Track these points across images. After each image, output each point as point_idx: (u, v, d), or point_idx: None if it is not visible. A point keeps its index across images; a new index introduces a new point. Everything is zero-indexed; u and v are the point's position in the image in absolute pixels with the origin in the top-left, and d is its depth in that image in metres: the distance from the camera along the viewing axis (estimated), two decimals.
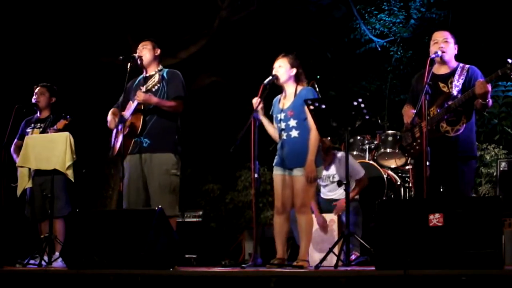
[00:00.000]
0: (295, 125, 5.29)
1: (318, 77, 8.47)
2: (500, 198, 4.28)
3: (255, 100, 5.28)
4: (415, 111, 5.21)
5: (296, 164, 5.26)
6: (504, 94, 8.88)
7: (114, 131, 5.90)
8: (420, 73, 5.55)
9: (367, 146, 7.73)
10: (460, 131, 5.26)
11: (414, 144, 5.46)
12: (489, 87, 5.07)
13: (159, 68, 5.94)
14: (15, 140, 6.76)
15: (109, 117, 5.95)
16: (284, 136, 5.34)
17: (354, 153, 7.67)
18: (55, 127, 6.44)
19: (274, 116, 5.44)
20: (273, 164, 5.41)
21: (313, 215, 6.43)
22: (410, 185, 7.29)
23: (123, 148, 5.69)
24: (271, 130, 5.46)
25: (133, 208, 5.63)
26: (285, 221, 5.38)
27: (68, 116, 6.45)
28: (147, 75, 5.94)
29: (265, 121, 5.41)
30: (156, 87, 5.68)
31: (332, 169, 6.59)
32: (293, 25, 10.68)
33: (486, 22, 9.59)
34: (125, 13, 9.77)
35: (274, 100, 5.49)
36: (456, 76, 5.34)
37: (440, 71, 5.43)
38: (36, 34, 9.60)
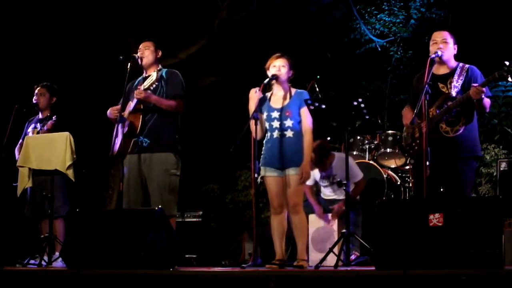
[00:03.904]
0: (290, 125, 5.29)
1: (318, 77, 8.46)
2: (500, 198, 4.29)
3: (256, 90, 5.28)
4: (415, 112, 5.20)
5: (291, 164, 5.26)
6: (504, 94, 8.87)
7: (115, 130, 5.91)
8: (421, 73, 5.53)
9: (367, 146, 7.73)
10: (460, 131, 5.26)
11: (414, 144, 5.46)
12: (485, 90, 5.07)
13: (158, 69, 5.95)
14: (20, 141, 6.74)
15: (109, 111, 5.95)
16: (277, 135, 5.32)
17: (354, 153, 7.67)
18: (45, 128, 6.49)
19: (265, 113, 5.41)
20: (261, 165, 5.34)
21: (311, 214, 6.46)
22: (410, 185, 7.29)
23: (123, 148, 5.69)
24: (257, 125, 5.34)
25: (132, 207, 5.63)
26: (283, 221, 5.38)
27: (54, 117, 6.55)
28: (147, 75, 5.94)
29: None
30: (154, 85, 5.64)
31: (333, 170, 6.59)
32: (293, 25, 10.68)
33: (486, 22, 9.59)
34: (125, 13, 9.77)
35: (261, 96, 5.38)
36: (456, 76, 5.34)
37: (440, 72, 5.42)
38: (36, 34, 9.59)
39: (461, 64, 5.40)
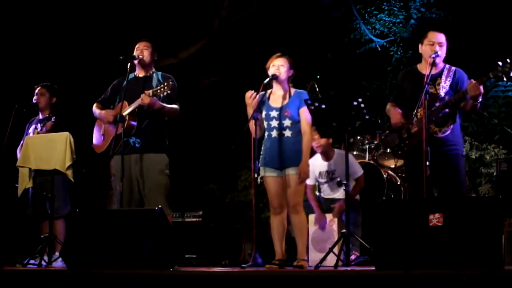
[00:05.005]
0: (289, 125, 5.30)
1: (318, 77, 8.46)
2: (500, 198, 4.29)
3: (251, 95, 5.29)
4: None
5: (290, 164, 5.26)
6: (504, 94, 8.88)
7: (101, 128, 5.92)
8: (406, 70, 5.69)
9: (367, 146, 7.73)
10: (447, 132, 5.33)
11: (402, 145, 5.49)
12: (482, 88, 5.09)
13: (152, 71, 5.94)
14: (22, 141, 6.74)
15: (102, 111, 5.94)
16: (275, 134, 5.32)
17: (354, 153, 7.68)
18: (44, 129, 6.50)
19: (264, 112, 5.40)
20: (260, 165, 5.34)
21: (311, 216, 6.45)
22: None
23: (114, 148, 5.71)
24: (253, 124, 5.37)
25: (126, 208, 5.64)
26: (283, 221, 5.38)
27: (53, 118, 6.60)
28: (142, 75, 5.92)
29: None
30: (164, 93, 5.64)
31: (332, 165, 6.55)
32: (293, 25, 10.68)
33: (486, 22, 9.59)
34: (126, 13, 9.77)
35: (260, 95, 5.40)
36: (443, 77, 5.40)
37: (427, 73, 5.42)
38: (36, 34, 9.59)
39: (447, 66, 5.47)
